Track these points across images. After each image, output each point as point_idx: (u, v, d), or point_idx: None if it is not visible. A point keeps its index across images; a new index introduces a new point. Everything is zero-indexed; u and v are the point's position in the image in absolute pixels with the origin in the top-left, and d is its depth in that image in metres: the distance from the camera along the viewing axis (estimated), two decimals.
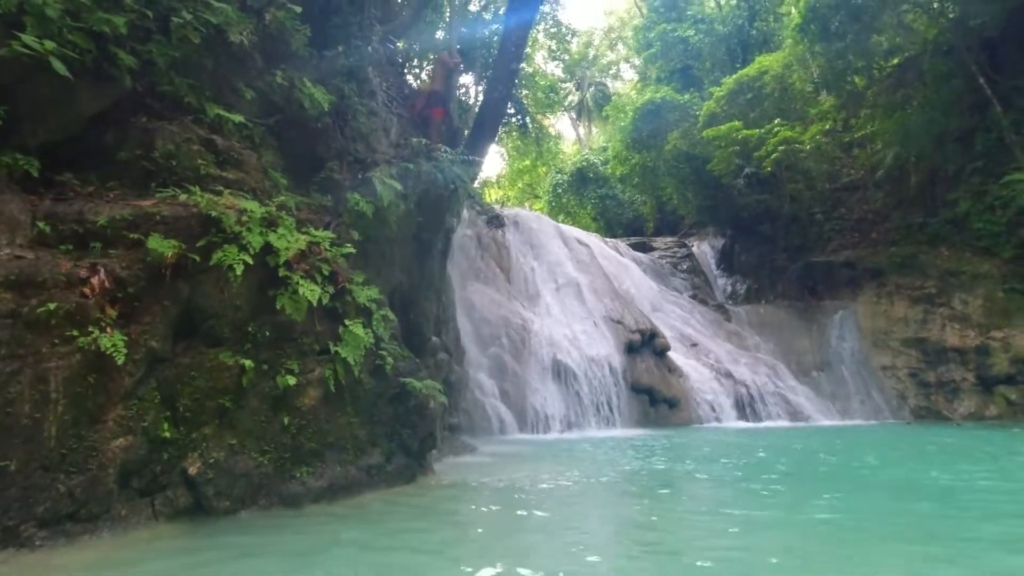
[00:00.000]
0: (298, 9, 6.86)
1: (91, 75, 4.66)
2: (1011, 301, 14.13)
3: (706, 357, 15.81)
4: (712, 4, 27.23)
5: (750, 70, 20.46)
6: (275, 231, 5.15)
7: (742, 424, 13.69)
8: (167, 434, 4.37)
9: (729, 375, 15.13)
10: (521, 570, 3.33)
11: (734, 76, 20.89)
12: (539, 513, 4.88)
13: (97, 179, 4.94)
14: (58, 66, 4.16)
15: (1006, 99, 14.88)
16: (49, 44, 4.19)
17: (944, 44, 15.87)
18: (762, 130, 18.21)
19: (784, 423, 13.97)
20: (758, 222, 20.21)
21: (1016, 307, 14.05)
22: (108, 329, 4.05)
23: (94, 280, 4.13)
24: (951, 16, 15.77)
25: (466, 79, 18.27)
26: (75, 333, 3.90)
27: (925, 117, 15.99)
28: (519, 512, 4.94)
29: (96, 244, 4.38)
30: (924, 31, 16.38)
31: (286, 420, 4.95)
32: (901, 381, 15.07)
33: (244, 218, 4.93)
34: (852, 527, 4.31)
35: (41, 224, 4.30)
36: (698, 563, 3.44)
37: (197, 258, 4.60)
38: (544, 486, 6.01)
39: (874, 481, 6.34)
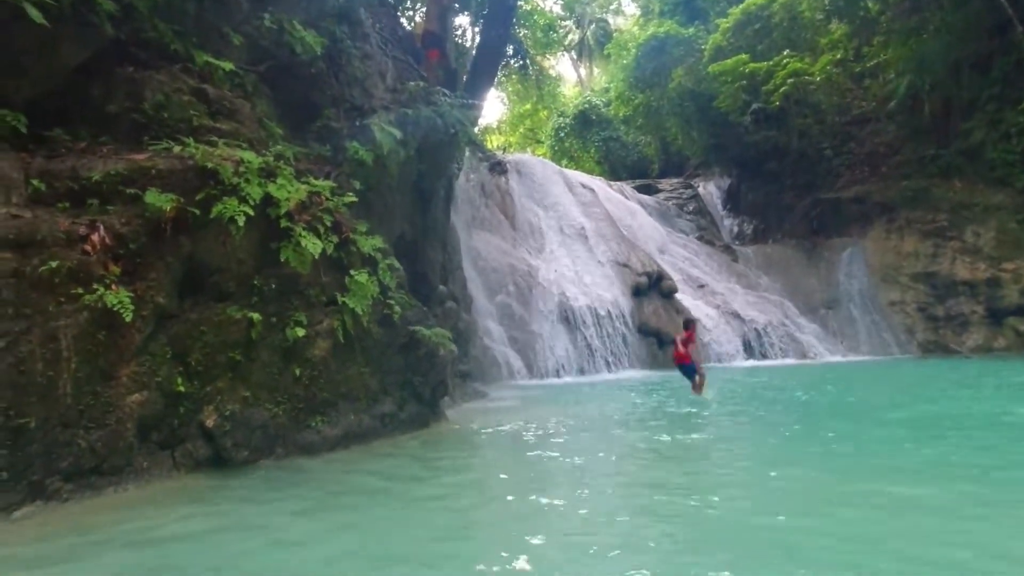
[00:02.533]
0: None
1: (70, 23, 4.45)
2: None
3: (713, 298, 15.78)
4: None
5: None
6: (274, 182, 5.04)
7: (750, 363, 13.80)
8: (181, 388, 4.40)
9: (736, 315, 15.14)
10: (536, 500, 3.40)
11: (741, 6, 19.92)
12: (548, 456, 4.95)
13: (88, 134, 4.80)
14: (33, 13, 3.97)
15: None
16: None
17: None
18: (770, 63, 17.55)
19: (791, 361, 14.07)
20: (765, 160, 19.76)
21: None
22: (113, 286, 4.01)
23: (94, 237, 4.07)
24: None
25: (462, 20, 17.56)
26: (80, 291, 3.87)
27: (941, 42, 15.31)
28: (529, 455, 5.02)
29: (93, 201, 4.29)
30: None
31: (298, 371, 4.98)
32: (909, 316, 15.04)
33: (242, 169, 4.81)
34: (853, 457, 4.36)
35: (35, 182, 4.20)
36: (705, 504, 3.49)
37: (197, 211, 4.51)
38: (552, 429, 6.09)
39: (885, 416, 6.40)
